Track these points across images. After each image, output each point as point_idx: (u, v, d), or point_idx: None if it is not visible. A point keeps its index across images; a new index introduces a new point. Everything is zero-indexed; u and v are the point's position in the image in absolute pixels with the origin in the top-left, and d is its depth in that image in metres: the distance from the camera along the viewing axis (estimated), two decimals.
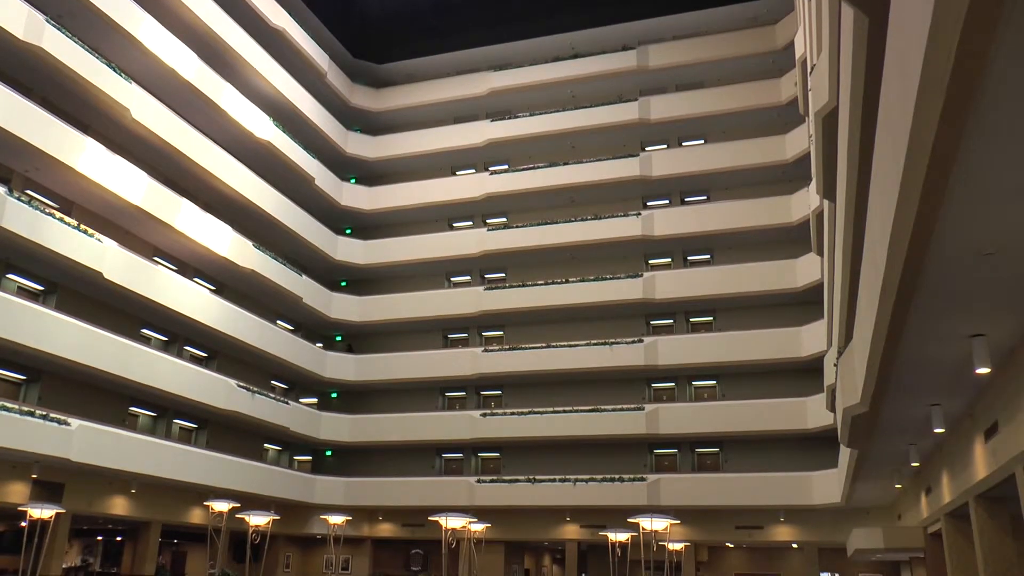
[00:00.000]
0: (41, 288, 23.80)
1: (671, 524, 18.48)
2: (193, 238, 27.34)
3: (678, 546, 25.26)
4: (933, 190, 5.15)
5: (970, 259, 6.49)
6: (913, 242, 5.91)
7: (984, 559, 12.37)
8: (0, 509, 23.29)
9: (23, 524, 19.14)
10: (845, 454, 19.28)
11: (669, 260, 33.81)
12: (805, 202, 28.16)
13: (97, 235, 23.20)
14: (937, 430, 12.00)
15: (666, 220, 33.06)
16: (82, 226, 22.74)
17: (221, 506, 20.85)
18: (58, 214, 22.14)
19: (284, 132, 32.53)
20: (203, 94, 27.97)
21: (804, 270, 29.59)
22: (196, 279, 28.94)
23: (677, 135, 34.91)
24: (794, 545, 30.50)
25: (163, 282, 25.84)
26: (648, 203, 34.59)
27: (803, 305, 29.76)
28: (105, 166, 23.68)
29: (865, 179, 8.71)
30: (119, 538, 31.86)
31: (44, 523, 18.87)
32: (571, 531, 31.22)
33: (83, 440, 22.02)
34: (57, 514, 19.50)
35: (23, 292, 22.95)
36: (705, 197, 33.90)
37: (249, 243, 30.08)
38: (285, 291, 32.10)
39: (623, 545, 21.39)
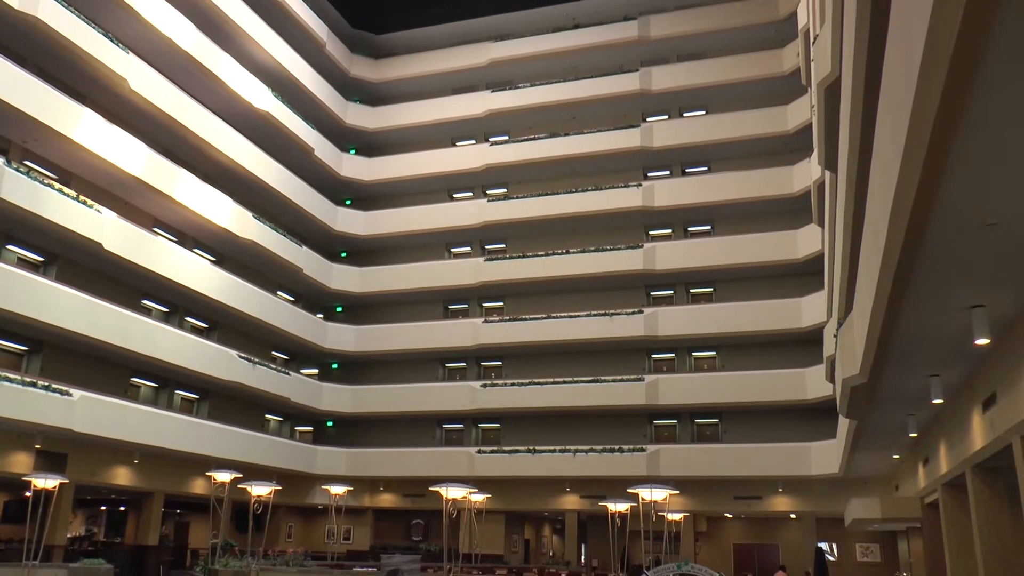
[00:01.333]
0: (41, 259, 23.80)
1: (670, 494, 18.59)
2: (193, 209, 27.29)
3: (677, 516, 25.45)
4: (935, 160, 5.13)
5: (972, 230, 6.47)
6: (914, 212, 5.90)
7: (980, 529, 12.47)
8: (5, 479, 23.49)
9: (27, 494, 19.27)
10: (844, 425, 19.37)
11: (670, 231, 33.77)
12: (806, 173, 28.07)
13: (96, 206, 23.17)
14: (935, 401, 12.04)
15: (667, 191, 32.99)
16: (81, 197, 22.70)
17: (223, 476, 20.96)
18: (57, 185, 22.09)
19: (283, 103, 32.35)
20: (201, 65, 27.78)
21: (805, 241, 29.57)
22: (196, 250, 28.92)
23: (678, 106, 34.73)
24: (792, 515, 30.74)
25: (163, 253, 25.83)
26: (649, 174, 34.49)
27: (803, 276, 29.77)
28: (103, 137, 23.58)
29: (867, 149, 8.67)
30: (122, 508, 32.09)
31: (48, 493, 18.99)
32: (571, 501, 31.45)
33: (85, 410, 22.13)
34: (61, 484, 19.61)
35: (23, 263, 22.94)
36: (706, 168, 33.79)
37: (249, 214, 30.03)
38: (285, 262, 32.10)
39: (622, 515, 21.53)
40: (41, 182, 21.40)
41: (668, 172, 34.33)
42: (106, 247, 23.32)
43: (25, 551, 18.87)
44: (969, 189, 5.75)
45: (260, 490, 20.80)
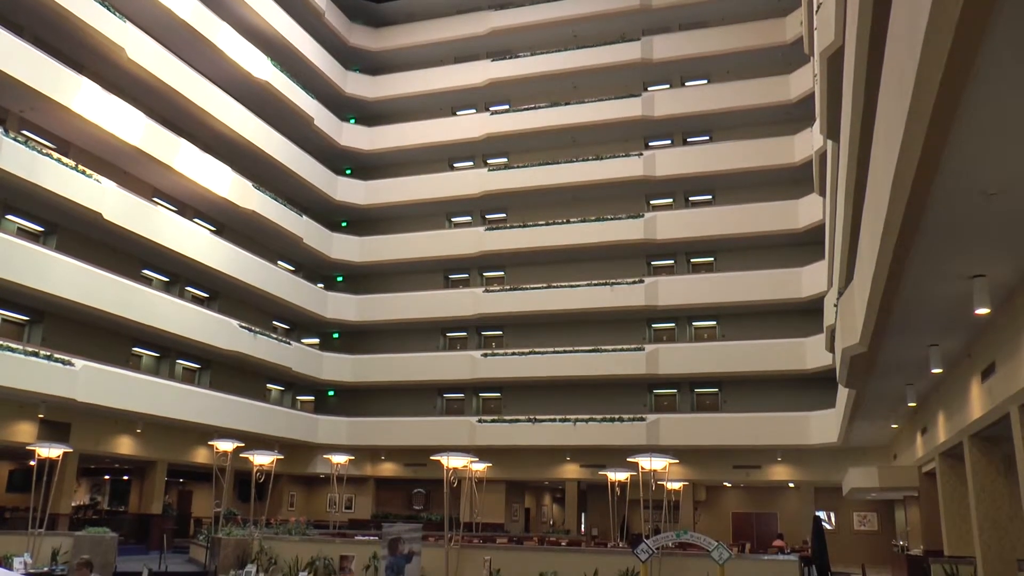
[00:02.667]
0: (41, 229, 23.78)
1: (670, 464, 18.68)
2: (192, 179, 27.22)
3: (677, 485, 25.64)
4: (938, 129, 5.12)
5: (973, 199, 6.47)
6: (916, 182, 5.89)
7: (976, 497, 12.58)
8: (9, 448, 23.63)
9: (32, 463, 19.40)
10: (843, 394, 19.46)
11: (670, 200, 33.69)
12: (808, 142, 27.96)
13: (96, 176, 23.10)
14: (935, 371, 12.10)
15: (668, 160, 32.88)
16: (80, 167, 22.63)
17: (225, 446, 21.08)
18: (55, 155, 22.01)
19: (282, 72, 32.14)
20: (199, 34, 27.54)
21: (806, 211, 29.51)
22: (196, 220, 28.89)
23: (680, 75, 34.50)
24: (791, 484, 30.96)
25: (163, 223, 25.80)
26: (650, 143, 34.34)
27: (804, 246, 29.75)
28: (101, 106, 23.45)
29: (870, 119, 8.64)
30: (126, 477, 32.33)
31: (52, 462, 19.11)
32: (571, 470, 31.66)
33: (88, 380, 22.22)
34: (64, 453, 19.72)
35: (23, 233, 22.91)
36: (708, 137, 33.65)
37: (249, 184, 29.96)
38: (285, 232, 32.07)
39: (622, 484, 21.70)
40: (40, 152, 21.32)
41: (669, 141, 34.18)
42: (106, 217, 23.28)
43: (31, 519, 19.02)
44: (971, 159, 5.75)
45: (262, 459, 20.93)
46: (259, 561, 17.87)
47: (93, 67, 24.69)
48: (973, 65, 4.46)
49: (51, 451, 19.16)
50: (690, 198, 33.62)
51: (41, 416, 22.63)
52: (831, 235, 19.14)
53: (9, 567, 16.15)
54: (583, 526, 34.43)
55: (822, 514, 28.79)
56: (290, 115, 33.06)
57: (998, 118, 5.18)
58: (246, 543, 18.84)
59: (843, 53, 11.17)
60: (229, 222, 30.70)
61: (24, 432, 22.51)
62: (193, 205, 29.24)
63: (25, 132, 22.76)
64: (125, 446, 26.04)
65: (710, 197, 33.27)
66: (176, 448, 28.04)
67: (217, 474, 21.42)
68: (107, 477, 33.24)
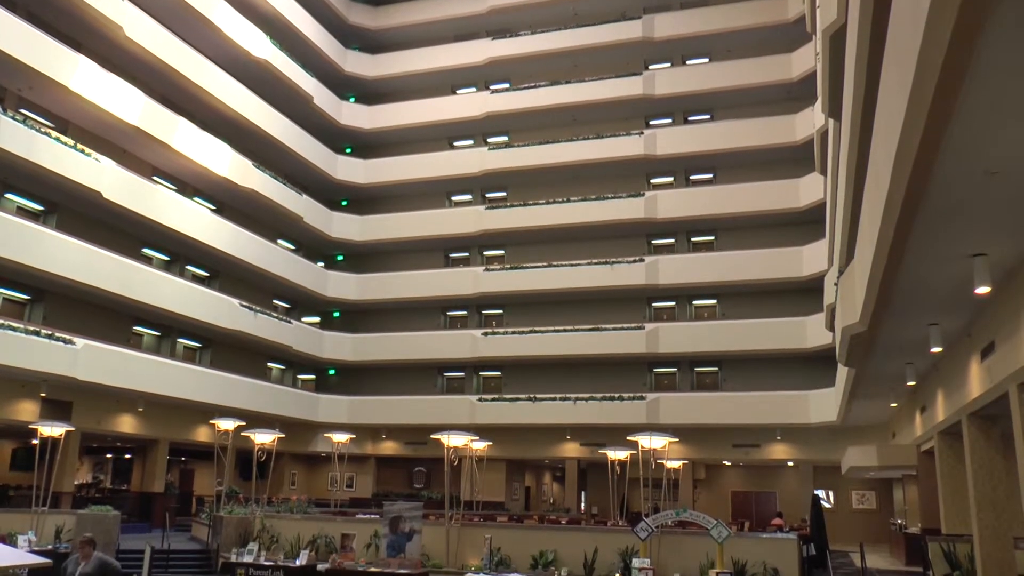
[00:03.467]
0: (41, 208, 23.74)
1: (669, 442, 18.78)
2: (192, 158, 27.16)
3: (676, 464, 25.74)
4: (941, 107, 5.10)
5: (975, 178, 6.45)
6: (918, 160, 5.87)
7: (974, 475, 12.63)
8: (12, 427, 23.74)
9: (34, 442, 19.50)
10: (843, 373, 19.50)
11: (671, 179, 33.61)
12: (810, 121, 27.85)
13: (95, 154, 23.06)
14: (934, 349, 12.11)
15: (669, 139, 32.78)
16: (79, 145, 22.57)
17: (227, 424, 21.19)
18: (54, 133, 21.96)
19: (281, 50, 31.95)
20: (197, 12, 27.36)
21: (807, 190, 29.46)
22: (196, 199, 28.85)
23: (681, 53, 34.31)
24: (790, 463, 31.10)
25: (163, 202, 25.78)
26: (651, 122, 34.22)
27: (805, 225, 29.71)
28: (99, 85, 23.35)
29: (872, 97, 8.60)
30: (128, 456, 32.49)
31: (54, 441, 19.21)
32: (571, 449, 31.79)
33: (89, 359, 22.28)
34: (67, 432, 19.83)
35: (23, 212, 22.88)
36: (708, 116, 33.51)
37: (249, 162, 29.89)
38: (285, 210, 32.04)
39: (622, 463, 21.80)
40: (38, 130, 21.27)
41: (670, 120, 34.05)
42: (105, 196, 23.26)
43: (34, 497, 19.16)
44: (974, 137, 5.72)
45: (263, 438, 21.04)
46: (261, 539, 18.00)
47: (91, 45, 24.55)
48: (977, 44, 4.43)
49: (53, 430, 19.26)
50: (691, 177, 33.54)
51: (43, 395, 22.72)
52: (832, 214, 19.10)
53: (13, 545, 16.25)
54: (583, 505, 34.62)
55: (821, 493, 28.92)
56: (289, 94, 32.91)
57: (1002, 97, 5.16)
58: (248, 521, 18.97)
59: (845, 31, 11.10)
60: (229, 201, 30.65)
61: (26, 411, 22.60)
62: (193, 184, 29.19)
63: (23, 111, 22.67)
64: (127, 424, 26.14)
65: (711, 176, 33.19)
66: (177, 427, 28.15)
67: (219, 453, 21.53)
68: (109, 456, 33.41)
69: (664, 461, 20.17)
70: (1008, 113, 5.38)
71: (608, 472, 21.80)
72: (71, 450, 23.90)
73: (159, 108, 25.87)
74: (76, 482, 27.47)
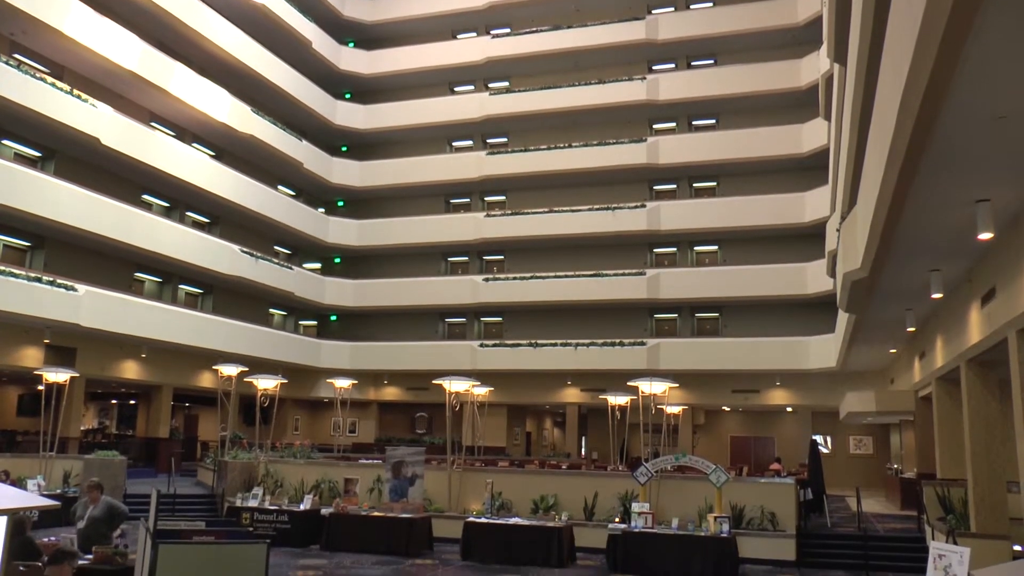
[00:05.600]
0: (38, 154, 23.60)
1: (669, 388, 18.92)
2: (190, 103, 26.90)
3: (676, 409, 25.96)
4: (949, 50, 5.03)
5: (982, 122, 6.39)
6: (924, 104, 5.81)
7: (970, 421, 12.75)
8: (17, 373, 23.91)
9: (40, 388, 19.67)
10: (843, 319, 19.56)
11: (674, 124, 33.31)
12: (815, 66, 27.52)
13: (92, 100, 22.84)
14: (935, 295, 12.13)
15: (672, 84, 32.41)
16: (75, 91, 22.34)
17: (230, 370, 21.30)
18: (49, 79, 21.70)
19: None
20: None
21: (810, 135, 29.22)
22: (195, 145, 28.64)
23: None
24: (789, 409, 31.35)
25: (162, 148, 25.61)
26: (654, 67, 33.77)
27: (808, 171, 29.54)
28: (95, 29, 23.03)
29: (879, 41, 8.48)
30: (132, 402, 32.75)
31: (60, 387, 19.37)
32: (572, 395, 32.03)
33: (91, 305, 22.34)
34: (71, 378, 19.98)
35: (20, 159, 22.74)
36: (712, 61, 33.05)
37: (247, 108, 29.61)
38: (285, 156, 31.83)
39: (622, 408, 21.98)
40: (33, 76, 21.03)
41: (673, 65, 33.60)
42: (104, 142, 23.10)
43: (42, 443, 19.38)
44: (982, 80, 5.65)
45: (266, 383, 21.16)
46: (265, 484, 18.23)
47: None
48: None
49: (58, 376, 19.41)
50: (694, 122, 33.23)
51: (47, 341, 22.82)
52: (835, 160, 18.98)
53: (23, 489, 16.48)
54: (583, 450, 35.01)
55: (819, 438, 29.22)
56: (288, 39, 32.44)
57: (1010, 40, 5.08)
58: (252, 466, 19.20)
59: None
60: (228, 147, 30.43)
61: (31, 357, 22.74)
62: (191, 130, 28.95)
63: (17, 56, 22.39)
64: (131, 370, 26.31)
65: (714, 121, 32.87)
66: (181, 372, 28.33)
67: (222, 398, 21.69)
68: (114, 401, 33.66)
69: (664, 406, 20.33)
70: (1018, 57, 5.31)
71: (608, 417, 21.99)
72: (76, 396, 24.09)
73: (156, 53, 25.53)
74: (82, 428, 27.74)
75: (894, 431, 28.18)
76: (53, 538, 9.17)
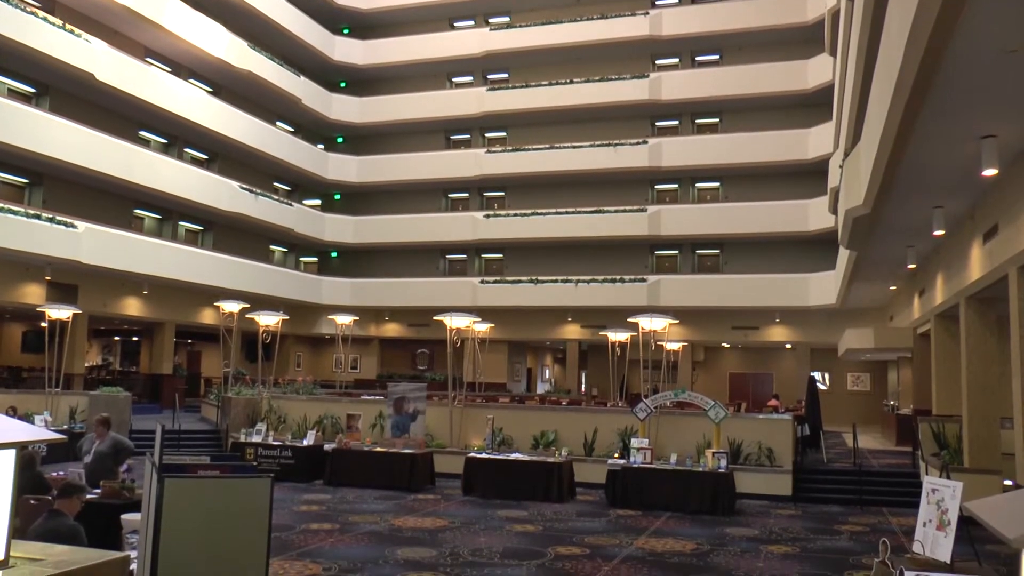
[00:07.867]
0: (32, 90, 23.30)
1: (669, 324, 18.98)
2: (185, 38, 26.47)
3: (676, 346, 26.11)
4: None
5: (991, 56, 6.29)
6: (933, 37, 5.71)
7: (968, 358, 12.83)
8: (20, 309, 24.02)
9: (43, 324, 19.77)
10: (843, 256, 19.54)
11: (677, 60, 32.80)
12: (821, 1, 26.99)
13: (84, 35, 22.47)
14: (937, 233, 12.10)
15: (674, 19, 31.82)
16: (67, 25, 21.96)
17: (231, 307, 21.36)
18: (41, 13, 21.31)
19: None
20: None
21: (815, 71, 28.82)
22: (191, 80, 28.27)
23: None
24: (788, 345, 31.53)
25: (158, 83, 25.29)
26: (657, 2, 33.13)
27: (812, 107, 29.21)
28: None
29: None
30: (135, 338, 32.96)
31: (63, 324, 19.46)
32: (572, 331, 32.19)
33: (91, 242, 22.31)
34: (74, 315, 20.06)
35: (14, 94, 22.46)
36: None
37: (244, 43, 29.14)
38: (283, 92, 31.44)
39: (622, 345, 22.09)
40: (23, 9, 20.64)
41: (677, 0, 33.02)
42: (98, 78, 22.80)
43: (47, 379, 19.56)
44: (992, 13, 5.54)
45: (268, 320, 21.25)
46: (268, 420, 18.42)
47: None
48: None
49: (60, 312, 19.48)
50: (697, 58, 32.71)
51: (48, 278, 22.87)
52: (840, 96, 18.74)
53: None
54: (583, 386, 35.32)
55: (817, 375, 29.49)
56: None
57: None
58: (255, 402, 19.39)
59: None
60: (225, 83, 30.03)
61: (33, 294, 22.80)
62: (188, 66, 28.53)
63: None
64: (133, 307, 26.41)
65: (717, 57, 32.36)
66: (183, 309, 28.44)
67: (224, 335, 21.81)
68: (117, 338, 33.89)
69: (664, 343, 20.44)
70: None
71: (608, 354, 22.12)
72: (79, 333, 24.21)
73: None
74: (86, 364, 27.97)
75: (892, 368, 28.40)
76: (61, 472, 9.30)
